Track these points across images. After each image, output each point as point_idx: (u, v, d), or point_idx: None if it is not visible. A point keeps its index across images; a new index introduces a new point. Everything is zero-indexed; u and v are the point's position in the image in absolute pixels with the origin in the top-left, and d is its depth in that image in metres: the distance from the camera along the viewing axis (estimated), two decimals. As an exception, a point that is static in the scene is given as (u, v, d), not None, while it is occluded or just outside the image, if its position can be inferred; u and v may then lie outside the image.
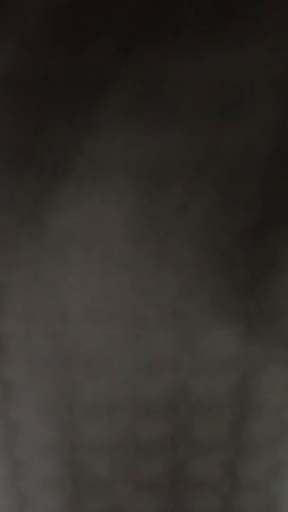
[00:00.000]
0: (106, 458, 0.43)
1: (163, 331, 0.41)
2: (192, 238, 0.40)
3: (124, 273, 0.40)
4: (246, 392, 0.42)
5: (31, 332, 0.42)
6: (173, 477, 0.43)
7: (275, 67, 0.39)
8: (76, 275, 0.41)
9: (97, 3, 0.39)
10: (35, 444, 0.44)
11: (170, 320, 0.41)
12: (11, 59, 0.40)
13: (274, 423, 0.43)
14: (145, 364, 0.41)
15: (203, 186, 0.40)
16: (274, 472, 0.45)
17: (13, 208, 0.41)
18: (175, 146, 0.39)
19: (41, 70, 0.40)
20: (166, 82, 0.39)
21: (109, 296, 0.41)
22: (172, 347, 0.41)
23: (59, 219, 0.40)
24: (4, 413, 0.44)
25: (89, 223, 0.40)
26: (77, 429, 0.43)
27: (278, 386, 0.43)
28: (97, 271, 0.41)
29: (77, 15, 0.40)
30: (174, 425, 0.42)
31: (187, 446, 0.43)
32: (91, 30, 0.40)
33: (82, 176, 0.40)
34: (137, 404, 0.42)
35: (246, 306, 0.41)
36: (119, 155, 0.40)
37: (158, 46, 0.39)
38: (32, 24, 0.40)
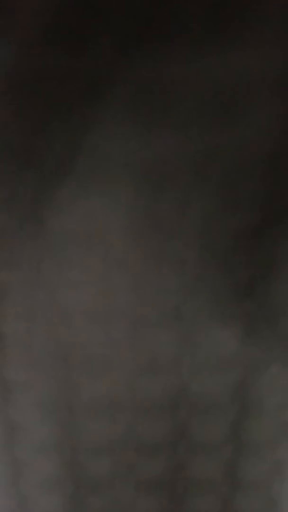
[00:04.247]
0: (106, 458, 0.43)
1: (163, 331, 0.41)
2: (192, 238, 0.40)
3: (124, 273, 0.40)
4: (246, 392, 0.42)
5: (31, 332, 0.42)
6: (173, 477, 0.43)
7: (274, 68, 0.39)
8: (76, 275, 0.41)
9: (97, 3, 0.39)
10: (35, 444, 0.44)
11: (170, 320, 0.41)
12: (11, 59, 0.40)
13: (274, 423, 0.43)
14: (145, 364, 0.41)
15: (203, 186, 0.40)
16: (274, 472, 0.45)
17: (13, 208, 0.41)
18: (175, 146, 0.40)
19: (41, 70, 0.40)
20: (166, 82, 0.39)
21: (109, 296, 0.41)
22: (172, 347, 0.41)
23: (59, 219, 0.40)
24: (4, 413, 0.44)
25: (89, 223, 0.40)
26: (77, 429, 0.43)
27: (278, 386, 0.43)
28: (97, 271, 0.41)
29: (77, 15, 0.40)
30: (174, 425, 0.42)
31: (187, 446, 0.43)
32: (91, 30, 0.40)
33: (82, 176, 0.40)
34: (137, 404, 0.42)
35: (246, 306, 0.41)
36: (118, 155, 0.40)
37: (158, 47, 0.39)
38: (32, 24, 0.40)
